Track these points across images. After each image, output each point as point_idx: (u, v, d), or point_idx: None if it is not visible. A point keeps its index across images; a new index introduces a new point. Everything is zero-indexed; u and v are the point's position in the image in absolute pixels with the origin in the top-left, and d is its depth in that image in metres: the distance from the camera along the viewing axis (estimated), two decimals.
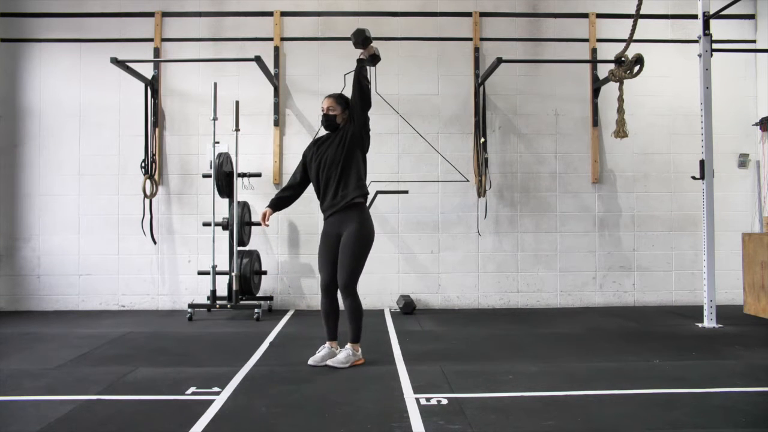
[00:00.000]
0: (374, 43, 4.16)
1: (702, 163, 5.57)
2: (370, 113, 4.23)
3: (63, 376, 3.90)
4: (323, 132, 4.34)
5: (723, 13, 5.86)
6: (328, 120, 4.26)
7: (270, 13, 6.82)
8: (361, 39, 4.10)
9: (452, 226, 6.79)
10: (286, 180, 6.64)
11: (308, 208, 6.61)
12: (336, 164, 4.12)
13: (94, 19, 6.80)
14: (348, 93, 4.01)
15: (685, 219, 6.90)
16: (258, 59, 5.88)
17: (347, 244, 4.09)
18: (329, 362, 4.09)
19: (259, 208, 6.67)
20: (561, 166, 6.88)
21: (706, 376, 3.82)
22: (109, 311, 6.56)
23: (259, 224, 6.35)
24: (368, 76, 4.20)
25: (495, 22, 6.93)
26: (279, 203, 4.39)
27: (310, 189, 4.44)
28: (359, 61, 4.17)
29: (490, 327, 5.65)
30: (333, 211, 4.15)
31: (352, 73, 4.17)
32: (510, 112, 6.89)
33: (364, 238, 4.14)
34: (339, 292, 4.13)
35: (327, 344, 4.24)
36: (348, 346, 4.14)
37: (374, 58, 4.21)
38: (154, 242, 6.59)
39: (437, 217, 6.79)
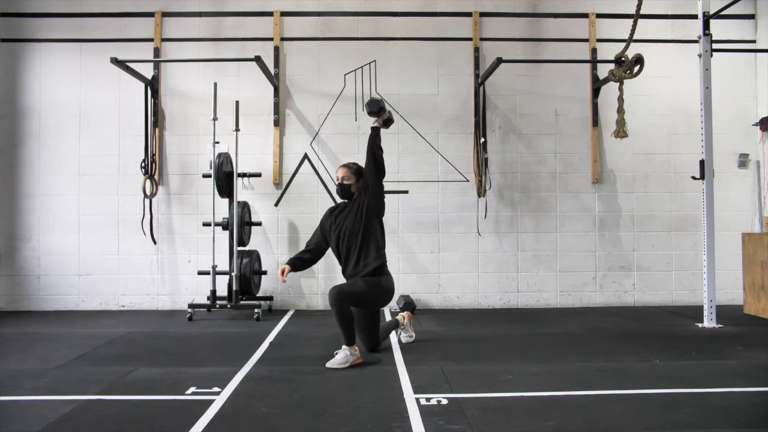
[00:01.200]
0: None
1: (702, 163, 5.57)
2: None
3: (63, 376, 3.91)
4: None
5: (723, 13, 5.86)
6: (343, 190, 4.36)
7: (270, 13, 6.81)
8: (376, 110, 4.19)
9: (452, 226, 6.79)
10: (285, 180, 6.69)
11: (308, 207, 6.63)
12: (355, 235, 4.24)
13: (94, 19, 6.80)
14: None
15: (685, 219, 6.90)
16: (258, 59, 5.88)
17: (363, 280, 4.22)
18: (329, 363, 4.09)
19: (259, 208, 6.68)
20: (561, 166, 6.88)
21: (706, 376, 3.82)
22: (109, 311, 6.56)
23: (259, 224, 6.44)
24: (381, 145, 4.27)
25: (495, 22, 6.93)
26: (298, 263, 4.43)
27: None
28: (374, 129, 4.24)
29: (490, 327, 5.65)
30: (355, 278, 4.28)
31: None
32: (510, 112, 6.89)
33: (378, 287, 4.26)
34: (329, 297, 4.14)
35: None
36: (344, 347, 4.14)
37: (388, 122, 4.28)
38: (154, 242, 6.59)
39: (437, 217, 6.79)
